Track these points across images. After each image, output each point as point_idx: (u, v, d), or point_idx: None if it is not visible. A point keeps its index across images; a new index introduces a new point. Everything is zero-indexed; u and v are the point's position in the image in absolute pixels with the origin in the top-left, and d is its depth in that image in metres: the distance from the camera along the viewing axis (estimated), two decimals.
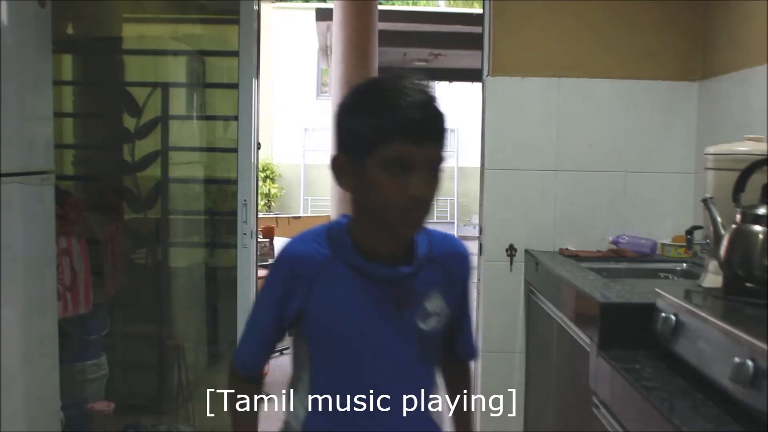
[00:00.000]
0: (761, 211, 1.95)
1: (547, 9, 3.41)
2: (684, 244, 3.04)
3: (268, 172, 14.39)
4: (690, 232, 2.48)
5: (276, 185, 14.59)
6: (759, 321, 1.75)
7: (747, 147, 2.32)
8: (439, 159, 1.39)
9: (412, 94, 1.36)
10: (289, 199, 14.84)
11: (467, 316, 1.65)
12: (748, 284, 1.93)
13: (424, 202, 1.38)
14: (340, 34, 7.37)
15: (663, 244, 3.30)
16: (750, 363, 1.49)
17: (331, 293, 1.45)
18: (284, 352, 6.12)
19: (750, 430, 1.49)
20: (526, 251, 3.41)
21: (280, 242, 6.07)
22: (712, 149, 2.38)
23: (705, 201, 2.18)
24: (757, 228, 1.93)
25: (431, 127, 1.37)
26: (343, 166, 1.43)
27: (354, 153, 1.39)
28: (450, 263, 1.54)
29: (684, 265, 3.08)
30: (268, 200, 14.10)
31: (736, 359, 1.53)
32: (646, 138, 3.43)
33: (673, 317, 1.92)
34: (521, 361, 3.48)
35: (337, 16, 7.45)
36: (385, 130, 1.34)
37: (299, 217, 8.10)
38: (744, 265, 1.94)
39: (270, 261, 5.81)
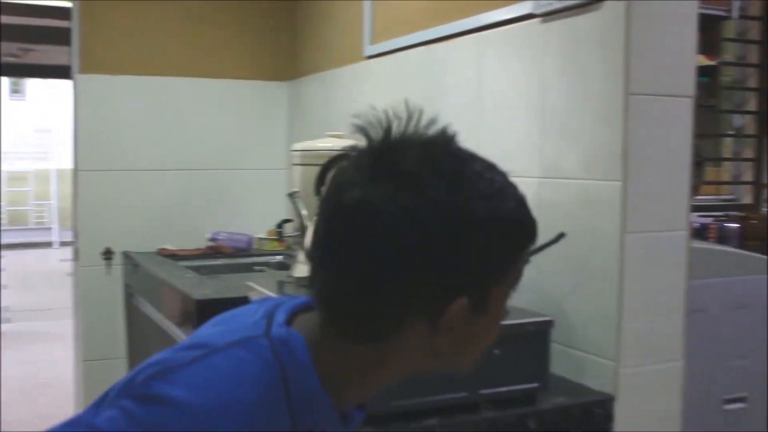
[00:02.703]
0: None
1: (136, 6, 3.35)
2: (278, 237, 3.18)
3: None
4: (280, 225, 2.59)
5: None
6: None
7: (328, 143, 2.47)
8: None
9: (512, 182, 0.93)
10: None
11: None
12: None
13: None
14: None
15: (259, 239, 3.41)
16: None
17: None
18: None
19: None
20: (124, 253, 3.32)
21: None
22: (297, 146, 2.50)
23: (291, 195, 2.29)
24: None
25: None
26: (465, 314, 0.87)
27: (477, 286, 0.87)
28: None
29: (279, 257, 3.21)
30: None
31: None
32: (242, 136, 3.53)
33: None
34: (125, 367, 3.37)
35: None
36: (526, 237, 0.91)
37: None
38: None
39: None
